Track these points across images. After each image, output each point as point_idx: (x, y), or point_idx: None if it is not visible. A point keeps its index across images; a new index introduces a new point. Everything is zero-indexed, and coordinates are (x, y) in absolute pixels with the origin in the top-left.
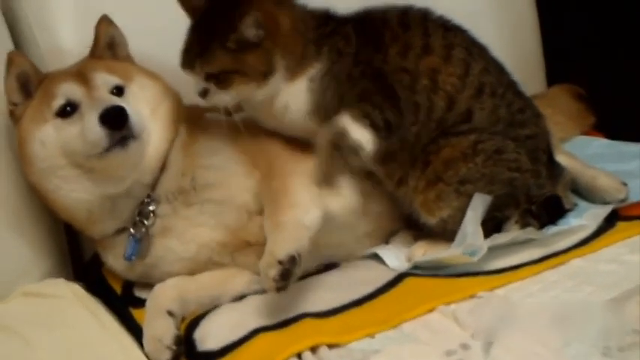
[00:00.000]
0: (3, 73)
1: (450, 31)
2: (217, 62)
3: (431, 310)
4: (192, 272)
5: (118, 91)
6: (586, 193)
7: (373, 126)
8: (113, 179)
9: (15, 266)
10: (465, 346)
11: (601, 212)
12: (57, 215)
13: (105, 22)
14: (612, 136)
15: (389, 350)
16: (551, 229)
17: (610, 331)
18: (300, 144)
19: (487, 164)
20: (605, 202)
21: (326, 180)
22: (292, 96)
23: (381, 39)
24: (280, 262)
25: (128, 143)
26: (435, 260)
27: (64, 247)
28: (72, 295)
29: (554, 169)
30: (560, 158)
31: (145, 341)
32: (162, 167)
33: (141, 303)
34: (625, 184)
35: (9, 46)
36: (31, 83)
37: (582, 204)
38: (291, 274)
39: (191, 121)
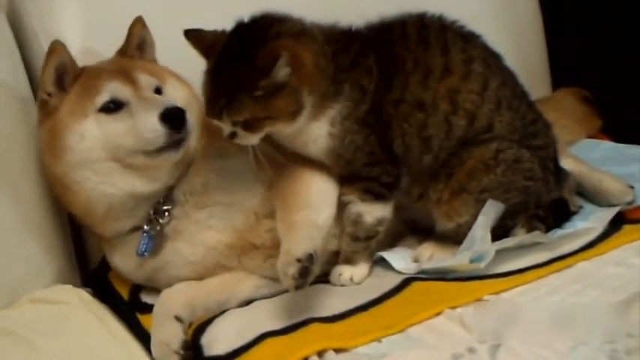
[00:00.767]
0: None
1: (468, 41)
2: (246, 112)
3: (437, 314)
4: (199, 276)
5: (158, 92)
6: (592, 196)
7: (378, 197)
8: (147, 178)
9: (22, 273)
10: (471, 350)
11: (607, 215)
12: (72, 209)
13: (139, 23)
14: (618, 139)
15: (395, 354)
16: (558, 233)
17: (616, 334)
18: None
19: (506, 174)
20: (612, 205)
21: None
22: (313, 137)
23: (402, 67)
24: (299, 260)
25: (181, 146)
26: (442, 268)
27: (72, 253)
28: (79, 302)
29: (560, 175)
30: (567, 162)
31: (152, 346)
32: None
33: (148, 309)
34: (631, 187)
35: (15, 52)
36: (67, 75)
37: (588, 207)
38: (309, 271)
39: (206, 123)
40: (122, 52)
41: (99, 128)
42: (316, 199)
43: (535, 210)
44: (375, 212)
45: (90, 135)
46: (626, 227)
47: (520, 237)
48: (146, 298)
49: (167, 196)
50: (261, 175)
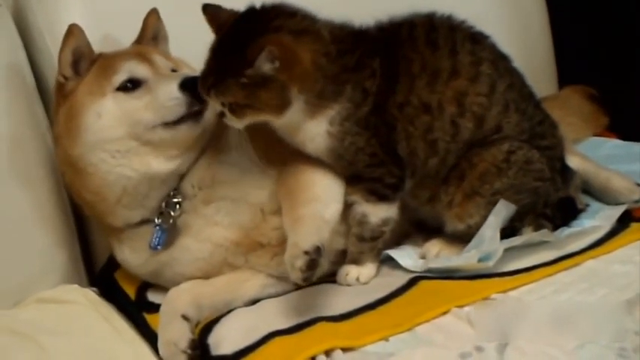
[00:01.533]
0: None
1: (477, 43)
2: (230, 95)
3: (445, 313)
4: (205, 274)
5: None
6: (600, 194)
7: (382, 198)
8: (164, 157)
9: (29, 272)
10: (479, 349)
11: (614, 213)
12: (84, 195)
13: (154, 14)
14: (625, 136)
15: (403, 353)
16: (565, 231)
17: (624, 332)
18: None
19: (518, 175)
20: (619, 204)
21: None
22: (311, 135)
23: (408, 69)
24: (306, 253)
25: (201, 118)
26: (450, 267)
27: (78, 253)
28: (86, 301)
29: (566, 174)
30: (574, 160)
31: (160, 345)
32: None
33: (154, 308)
34: (639, 185)
35: (21, 53)
36: (83, 60)
37: (595, 205)
38: (317, 264)
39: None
40: (138, 42)
41: (116, 106)
42: (323, 193)
43: (542, 209)
44: (379, 213)
45: (107, 113)
46: (634, 225)
47: (527, 236)
48: (153, 298)
49: (177, 188)
50: (269, 167)
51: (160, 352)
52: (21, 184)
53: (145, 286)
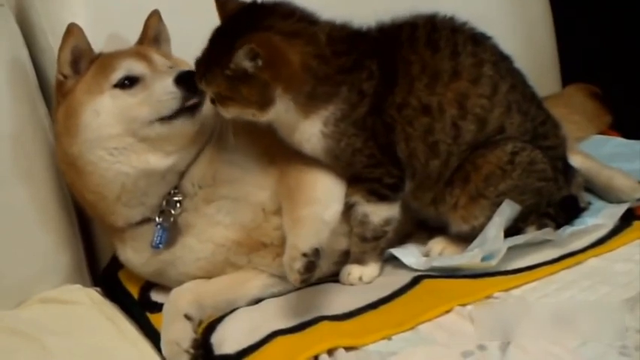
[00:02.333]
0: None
1: (479, 44)
2: (215, 85)
3: (447, 312)
4: (208, 274)
5: None
6: (602, 192)
7: (382, 198)
8: (161, 153)
9: (32, 273)
10: (481, 347)
11: (617, 211)
12: (85, 195)
13: (156, 16)
14: (628, 135)
15: (406, 352)
16: (568, 230)
17: (627, 331)
18: None
19: (522, 177)
20: (622, 202)
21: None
22: (306, 135)
23: (407, 71)
24: (305, 255)
25: (196, 112)
26: (453, 266)
27: (81, 253)
28: (89, 301)
29: (568, 172)
30: (577, 158)
31: (162, 345)
32: (195, 156)
33: (158, 308)
34: None
35: (23, 52)
36: (82, 59)
37: (597, 203)
38: (315, 266)
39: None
40: (139, 43)
41: (113, 103)
42: (322, 194)
43: (545, 208)
44: (381, 213)
45: (105, 111)
46: (636, 223)
47: (530, 234)
48: (156, 297)
49: (177, 187)
50: (271, 167)
51: (163, 352)
52: (24, 184)
53: (148, 285)
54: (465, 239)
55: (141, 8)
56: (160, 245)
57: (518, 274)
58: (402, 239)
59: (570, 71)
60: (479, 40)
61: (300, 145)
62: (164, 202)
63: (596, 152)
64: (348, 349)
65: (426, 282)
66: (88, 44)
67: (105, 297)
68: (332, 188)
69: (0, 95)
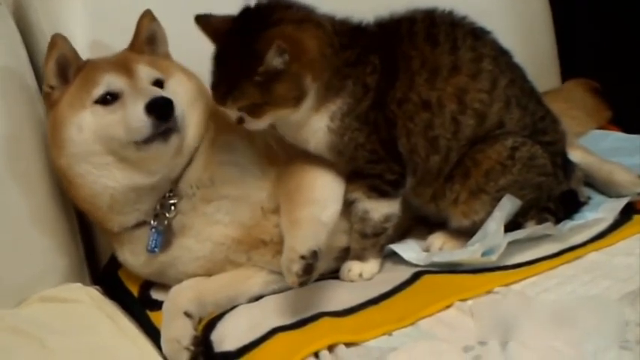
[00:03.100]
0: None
1: (478, 39)
2: (246, 98)
3: (448, 307)
4: (208, 272)
5: (158, 84)
6: (603, 187)
7: (383, 194)
8: (144, 172)
9: (32, 271)
10: (482, 342)
11: (617, 206)
12: (78, 204)
13: (147, 16)
14: (628, 129)
15: (406, 347)
16: (568, 224)
17: (628, 325)
18: None
19: (522, 172)
20: (622, 196)
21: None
22: (313, 130)
23: (407, 66)
24: (303, 257)
25: (170, 137)
26: (453, 262)
27: (81, 251)
28: (89, 300)
29: (568, 167)
30: (577, 153)
31: (163, 342)
32: (189, 162)
33: (158, 305)
34: None
35: (22, 53)
36: (69, 68)
37: (597, 197)
38: (313, 268)
39: (217, 117)
40: (131, 46)
41: (94, 120)
42: (321, 195)
43: (545, 203)
44: (381, 209)
45: (86, 127)
46: (636, 217)
47: (531, 229)
48: (156, 295)
49: (173, 190)
50: (269, 167)
51: (163, 350)
52: (22, 184)
53: (148, 283)
54: (465, 234)
55: (140, 8)
56: (156, 249)
57: (519, 269)
58: (401, 235)
59: (570, 66)
60: (478, 35)
61: (305, 141)
62: (158, 206)
63: (596, 147)
64: (348, 345)
65: (426, 277)
66: (74, 52)
67: (105, 295)
68: (330, 189)
69: None
